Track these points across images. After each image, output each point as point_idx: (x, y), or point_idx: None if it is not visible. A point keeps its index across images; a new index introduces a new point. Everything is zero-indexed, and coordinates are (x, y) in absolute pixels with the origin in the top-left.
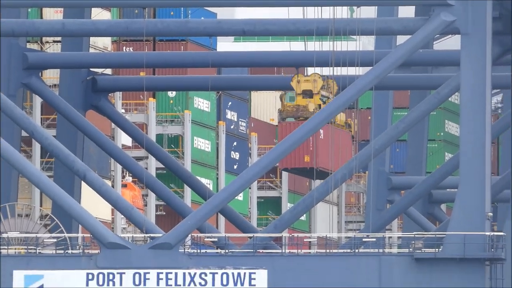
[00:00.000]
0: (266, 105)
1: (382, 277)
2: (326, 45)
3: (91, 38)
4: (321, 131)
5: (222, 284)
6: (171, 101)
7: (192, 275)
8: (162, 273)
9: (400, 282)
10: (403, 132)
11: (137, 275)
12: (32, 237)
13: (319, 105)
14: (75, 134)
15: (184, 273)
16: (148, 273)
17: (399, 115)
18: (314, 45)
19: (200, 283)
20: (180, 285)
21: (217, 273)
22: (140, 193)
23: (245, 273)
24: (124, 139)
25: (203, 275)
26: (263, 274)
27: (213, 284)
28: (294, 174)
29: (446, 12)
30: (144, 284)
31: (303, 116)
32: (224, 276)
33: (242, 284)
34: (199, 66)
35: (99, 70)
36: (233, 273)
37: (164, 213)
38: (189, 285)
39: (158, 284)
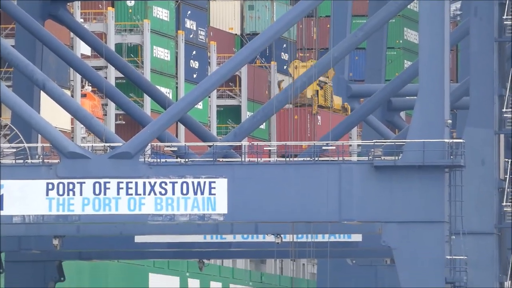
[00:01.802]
0: (225, 14)
1: (342, 185)
2: None
3: None
4: (319, 117)
5: (182, 193)
6: (130, 10)
7: (152, 184)
8: (122, 182)
9: (360, 190)
10: (362, 40)
11: (97, 185)
12: None
13: (317, 91)
14: (34, 44)
15: (144, 182)
16: (108, 182)
17: (358, 23)
18: None
19: (160, 192)
20: (140, 194)
21: (177, 182)
22: (99, 103)
23: (205, 182)
24: (83, 49)
25: (163, 184)
26: (223, 182)
27: (173, 193)
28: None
29: None
30: (104, 194)
31: (301, 103)
32: (184, 185)
33: (202, 193)
34: None
35: None
36: (193, 182)
37: (124, 122)
38: (149, 194)
39: (118, 194)
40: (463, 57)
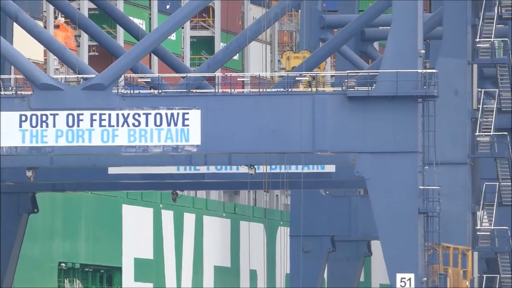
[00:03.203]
0: None
1: (316, 116)
2: None
3: None
4: None
5: (155, 124)
6: None
7: (126, 116)
8: (95, 114)
9: (334, 121)
10: None
11: (70, 116)
12: None
13: (309, 81)
14: None
15: (117, 114)
16: (82, 114)
17: None
18: None
19: (133, 124)
20: (113, 126)
21: (150, 113)
22: (72, 34)
23: (178, 113)
24: None
25: (136, 116)
26: (196, 114)
27: (147, 125)
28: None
29: None
30: (78, 125)
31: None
32: (158, 116)
33: (175, 124)
34: None
35: None
36: (166, 114)
37: (97, 53)
38: (122, 126)
39: (91, 125)
40: None
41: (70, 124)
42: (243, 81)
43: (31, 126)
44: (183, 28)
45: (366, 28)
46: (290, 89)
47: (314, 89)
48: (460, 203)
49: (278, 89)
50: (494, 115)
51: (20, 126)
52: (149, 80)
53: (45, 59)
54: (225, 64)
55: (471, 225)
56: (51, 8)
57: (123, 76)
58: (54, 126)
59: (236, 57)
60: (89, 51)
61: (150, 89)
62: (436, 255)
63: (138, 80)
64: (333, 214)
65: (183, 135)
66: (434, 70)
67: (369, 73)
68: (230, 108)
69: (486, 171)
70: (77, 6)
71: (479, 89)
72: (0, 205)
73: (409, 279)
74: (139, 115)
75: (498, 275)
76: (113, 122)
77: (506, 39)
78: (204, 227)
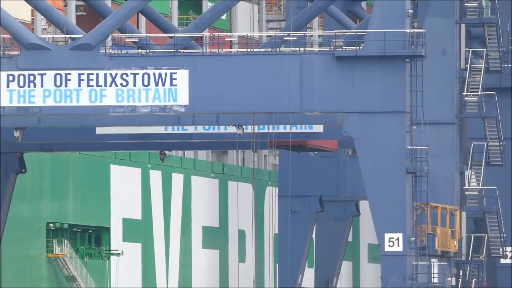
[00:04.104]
0: None
1: (304, 76)
2: None
3: None
4: None
5: (143, 84)
6: None
7: (113, 76)
8: (83, 74)
9: (321, 81)
10: None
11: (58, 76)
12: None
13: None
14: None
15: (105, 74)
16: (70, 74)
17: None
18: None
19: (121, 84)
20: (101, 86)
21: (138, 73)
22: None
23: (166, 73)
24: None
25: (124, 76)
26: (184, 74)
27: (134, 85)
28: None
29: None
30: (66, 85)
31: None
32: (145, 76)
33: (163, 84)
34: None
35: None
36: (154, 74)
37: (85, 13)
38: (110, 86)
39: (79, 85)
40: None
41: (58, 84)
42: (231, 41)
43: (19, 86)
44: None
45: None
46: (278, 49)
47: (302, 49)
48: (448, 163)
49: (266, 49)
50: (482, 74)
51: (8, 86)
52: (136, 40)
53: (32, 19)
54: (212, 24)
55: (459, 184)
56: None
57: (110, 36)
58: (41, 86)
59: (224, 17)
60: (76, 11)
61: (138, 49)
62: (424, 215)
63: (126, 40)
64: (321, 174)
65: (171, 95)
66: (422, 30)
67: (357, 33)
68: (218, 68)
69: (474, 130)
70: None
71: (467, 49)
72: None
73: (397, 238)
74: (127, 75)
75: (486, 235)
76: (101, 82)
77: None
78: (192, 187)
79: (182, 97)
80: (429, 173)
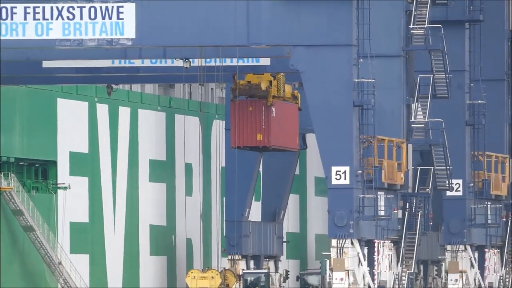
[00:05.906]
0: None
1: (250, 9)
2: None
3: None
4: (273, 109)
5: (90, 17)
6: None
7: (60, 9)
8: (29, 7)
9: (269, 13)
10: None
11: (4, 10)
12: None
13: (270, 81)
14: None
15: (51, 7)
16: (15, 7)
17: None
18: None
19: (68, 17)
20: (47, 19)
21: (84, 6)
22: None
23: (113, 7)
24: None
25: (70, 9)
26: (131, 7)
27: (81, 18)
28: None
29: None
30: (11, 19)
31: (255, 95)
32: (92, 9)
33: (110, 17)
34: None
35: None
36: (100, 7)
37: None
38: (56, 19)
39: (25, 19)
40: None
41: (4, 17)
42: None
43: None
44: None
45: None
46: None
47: None
48: (394, 96)
49: None
50: (428, 7)
51: None
52: None
53: None
54: None
55: (405, 117)
56: None
57: None
58: None
59: None
60: None
61: None
62: (371, 147)
63: None
64: None
65: (118, 28)
66: None
67: None
68: (164, 1)
69: (420, 63)
70: None
71: None
72: None
73: (344, 171)
74: (73, 8)
75: (432, 167)
76: (47, 15)
77: None
78: (139, 121)
79: (129, 31)
80: (376, 106)
